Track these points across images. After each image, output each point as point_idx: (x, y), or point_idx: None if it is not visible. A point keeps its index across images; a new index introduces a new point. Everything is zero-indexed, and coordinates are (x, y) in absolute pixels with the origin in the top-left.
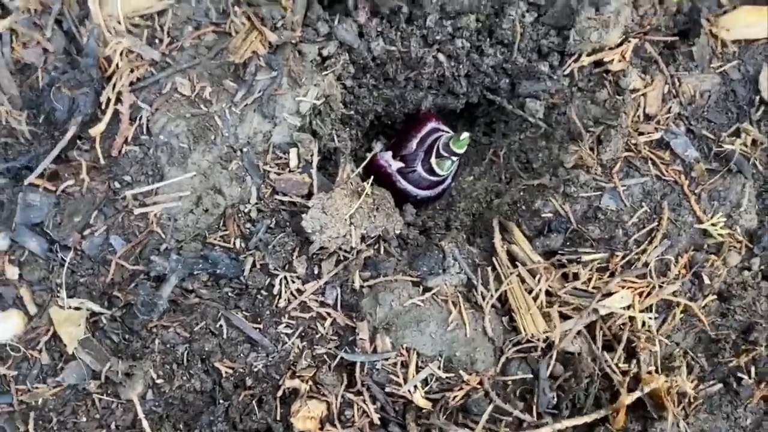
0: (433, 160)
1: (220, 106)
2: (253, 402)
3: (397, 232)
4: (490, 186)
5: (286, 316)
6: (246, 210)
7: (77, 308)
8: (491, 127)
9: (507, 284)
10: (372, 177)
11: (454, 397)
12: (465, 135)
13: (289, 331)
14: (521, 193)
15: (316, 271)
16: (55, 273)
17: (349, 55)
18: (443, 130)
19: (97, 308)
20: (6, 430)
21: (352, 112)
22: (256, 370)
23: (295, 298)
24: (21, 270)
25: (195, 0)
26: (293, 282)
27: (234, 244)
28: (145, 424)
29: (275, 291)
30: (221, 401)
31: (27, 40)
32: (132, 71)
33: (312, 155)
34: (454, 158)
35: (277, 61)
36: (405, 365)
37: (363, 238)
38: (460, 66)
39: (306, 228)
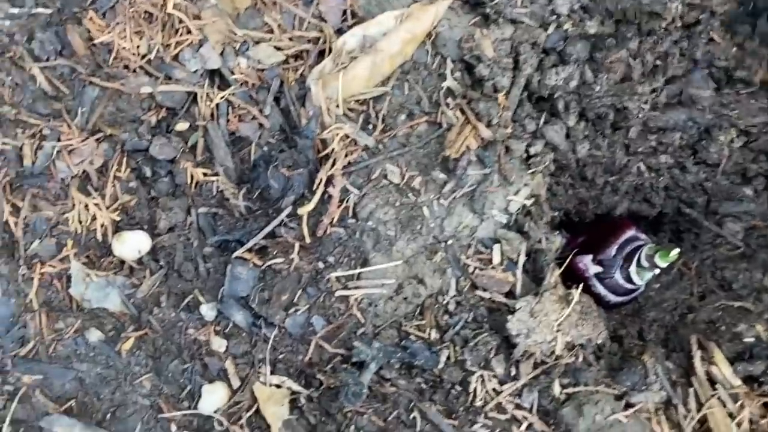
0: (632, 269)
1: (428, 196)
2: None
3: (600, 342)
4: (680, 298)
5: (483, 415)
6: (444, 302)
7: (278, 386)
8: (679, 236)
9: (708, 407)
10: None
11: None
12: (675, 251)
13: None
14: (719, 313)
15: (513, 373)
16: (258, 348)
17: (553, 154)
18: (643, 240)
19: (296, 387)
20: None
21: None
22: None
23: (492, 398)
24: (228, 342)
25: (407, 88)
26: (490, 381)
27: (429, 334)
28: None
29: (471, 388)
30: None
31: (243, 114)
32: (346, 155)
33: (519, 255)
34: (656, 271)
35: (490, 158)
36: None
37: (566, 346)
38: (660, 179)
39: (511, 330)
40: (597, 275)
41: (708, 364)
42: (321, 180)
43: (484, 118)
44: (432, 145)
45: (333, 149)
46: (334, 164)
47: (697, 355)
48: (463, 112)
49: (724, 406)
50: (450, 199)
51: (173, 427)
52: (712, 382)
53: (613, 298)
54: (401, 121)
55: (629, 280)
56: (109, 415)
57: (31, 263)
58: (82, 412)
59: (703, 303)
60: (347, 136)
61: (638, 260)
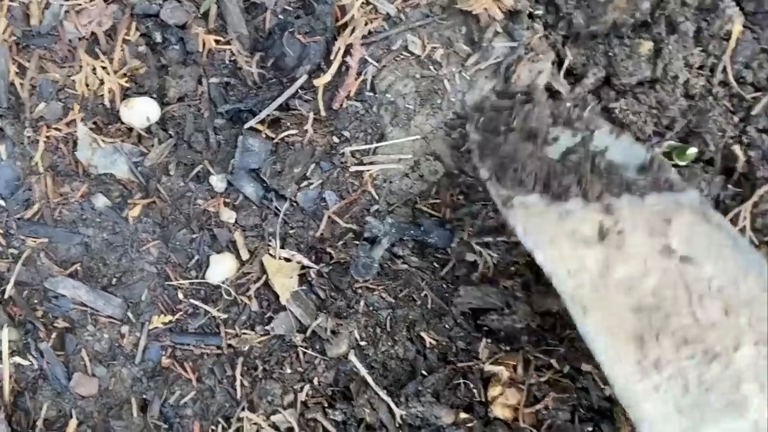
0: None
1: (450, 69)
2: (457, 377)
3: None
4: None
5: None
6: (460, 181)
7: (287, 259)
8: None
9: None
10: None
11: None
12: (692, 150)
13: None
14: None
15: None
16: (268, 221)
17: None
18: None
19: (306, 262)
20: (215, 372)
21: None
22: (459, 346)
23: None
24: (237, 214)
25: None
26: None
27: (444, 213)
28: (369, 379)
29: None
30: (424, 372)
31: None
32: (366, 24)
33: None
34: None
35: (519, 31)
36: None
37: None
38: None
39: None
40: None
41: None
42: (339, 49)
43: None
44: (456, 16)
45: (353, 16)
46: (353, 33)
47: None
48: None
49: None
50: (473, 72)
51: (180, 295)
52: None
53: None
54: None
55: None
56: (115, 281)
57: (37, 126)
58: (88, 276)
59: None
60: (368, 3)
61: None
